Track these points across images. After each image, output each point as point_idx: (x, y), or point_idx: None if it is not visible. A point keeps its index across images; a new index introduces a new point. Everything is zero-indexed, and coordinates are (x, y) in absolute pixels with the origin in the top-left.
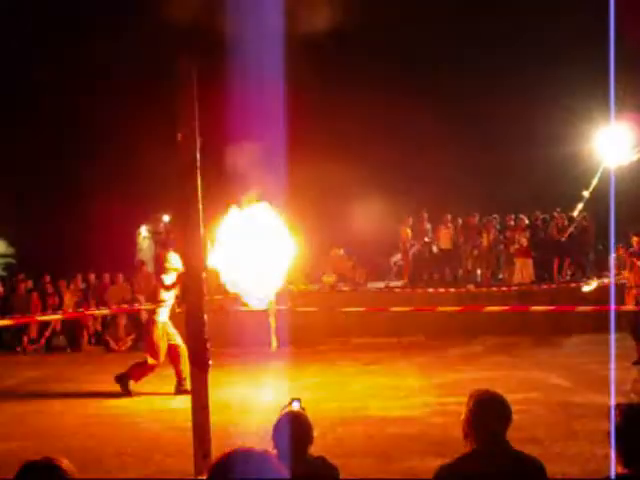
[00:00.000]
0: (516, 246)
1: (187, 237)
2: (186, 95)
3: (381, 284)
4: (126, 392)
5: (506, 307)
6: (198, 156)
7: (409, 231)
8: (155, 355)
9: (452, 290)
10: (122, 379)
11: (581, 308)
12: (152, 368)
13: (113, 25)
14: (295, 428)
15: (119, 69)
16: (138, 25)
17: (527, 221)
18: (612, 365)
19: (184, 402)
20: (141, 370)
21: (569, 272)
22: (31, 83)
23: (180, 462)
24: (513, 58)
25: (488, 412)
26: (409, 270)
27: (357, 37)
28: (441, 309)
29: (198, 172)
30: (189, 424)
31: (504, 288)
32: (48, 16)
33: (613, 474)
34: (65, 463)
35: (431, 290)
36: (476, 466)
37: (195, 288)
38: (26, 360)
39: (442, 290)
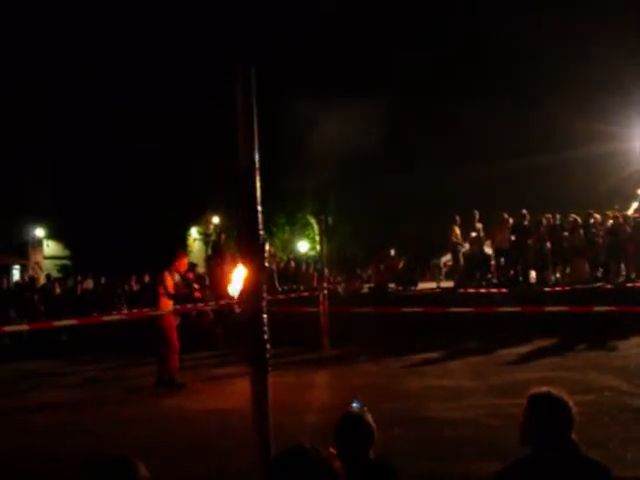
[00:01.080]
0: (569, 245)
1: (246, 239)
2: (245, 96)
3: (432, 284)
4: (178, 386)
5: (568, 307)
6: (257, 157)
7: (458, 231)
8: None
9: (504, 290)
10: (161, 381)
11: None
12: (174, 356)
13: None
14: (357, 428)
15: (172, 71)
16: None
17: (580, 220)
18: None
19: (237, 402)
20: (168, 363)
21: (624, 272)
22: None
23: (239, 461)
24: (570, 59)
25: (548, 413)
26: (460, 270)
27: None
28: (502, 309)
29: (257, 173)
30: (243, 423)
31: (558, 288)
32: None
33: None
34: (140, 463)
35: (483, 291)
36: (537, 470)
37: (254, 289)
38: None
39: (494, 290)
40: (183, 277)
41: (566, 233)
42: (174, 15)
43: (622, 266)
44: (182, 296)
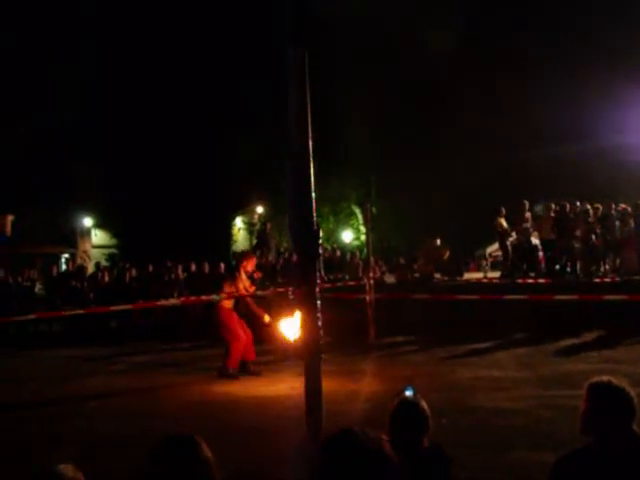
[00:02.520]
0: (620, 235)
1: (299, 226)
2: (297, 82)
3: (478, 275)
4: (233, 376)
5: (626, 296)
6: (310, 144)
7: (504, 222)
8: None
9: (555, 281)
10: (222, 372)
11: None
12: (239, 348)
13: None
14: (412, 415)
15: (222, 53)
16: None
17: (630, 209)
18: None
19: (289, 389)
20: (233, 356)
21: None
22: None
23: (290, 446)
24: (606, 52)
25: (608, 403)
26: (509, 260)
27: None
28: (558, 297)
29: (311, 159)
30: (297, 410)
31: (607, 279)
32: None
33: None
34: (204, 443)
35: (531, 281)
36: (598, 460)
37: (308, 277)
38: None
39: (542, 281)
40: (250, 276)
41: (617, 223)
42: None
43: None
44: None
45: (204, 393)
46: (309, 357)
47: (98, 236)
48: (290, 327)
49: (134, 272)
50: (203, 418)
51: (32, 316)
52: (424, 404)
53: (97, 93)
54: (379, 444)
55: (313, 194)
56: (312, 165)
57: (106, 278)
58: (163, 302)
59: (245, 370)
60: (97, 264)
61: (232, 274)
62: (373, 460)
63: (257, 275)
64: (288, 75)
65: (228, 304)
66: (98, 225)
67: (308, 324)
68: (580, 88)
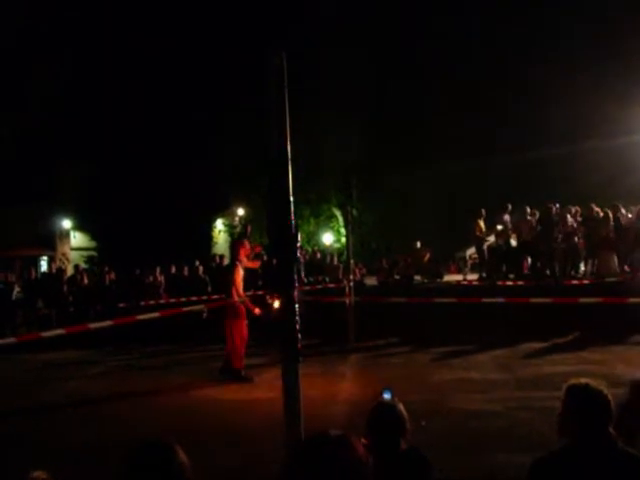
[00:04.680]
0: (599, 238)
1: (278, 230)
2: (276, 85)
3: (458, 277)
4: (248, 379)
5: (601, 299)
6: (289, 148)
7: (483, 224)
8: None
9: (533, 283)
10: (235, 377)
11: None
12: (242, 345)
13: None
14: (389, 418)
15: (201, 59)
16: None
17: (610, 213)
18: None
19: (268, 392)
20: (237, 354)
21: None
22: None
23: (269, 450)
24: (592, 49)
25: (585, 405)
26: (485, 263)
27: None
28: (533, 301)
29: (289, 164)
30: (275, 414)
31: (586, 281)
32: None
33: None
34: (180, 448)
35: (510, 283)
36: (574, 461)
37: (287, 280)
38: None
39: (521, 283)
40: (256, 254)
41: (596, 228)
42: (204, 3)
43: None
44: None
45: (184, 397)
46: (287, 360)
47: (77, 238)
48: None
49: (113, 275)
50: (182, 422)
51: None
52: (401, 407)
53: (76, 94)
54: (353, 447)
55: (291, 198)
56: (290, 169)
57: (85, 281)
58: (142, 317)
59: (225, 372)
60: (76, 267)
61: (233, 265)
62: (346, 464)
63: (257, 249)
64: (267, 79)
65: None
66: (77, 227)
67: (286, 327)
68: (561, 92)
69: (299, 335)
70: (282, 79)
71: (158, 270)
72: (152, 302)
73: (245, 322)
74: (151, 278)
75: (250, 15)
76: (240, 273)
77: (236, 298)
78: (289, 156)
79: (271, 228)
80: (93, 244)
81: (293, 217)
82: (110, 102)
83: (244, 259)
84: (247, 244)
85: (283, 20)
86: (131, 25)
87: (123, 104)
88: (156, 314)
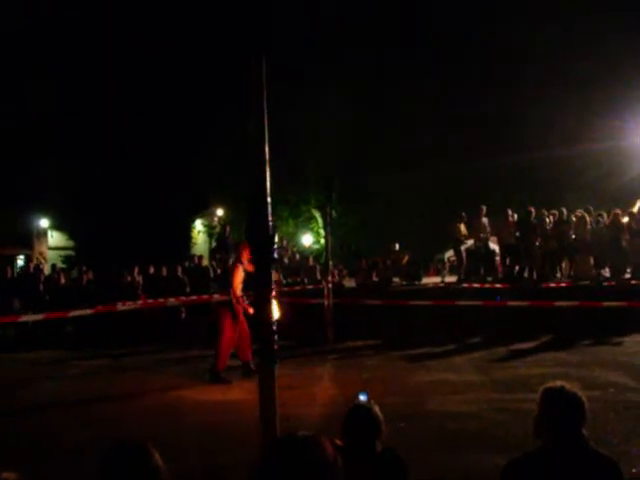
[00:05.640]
0: (575, 241)
1: (256, 230)
2: (256, 87)
3: (436, 279)
4: (226, 381)
5: (577, 302)
6: (267, 149)
7: (463, 227)
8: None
9: (511, 285)
10: (214, 378)
11: None
12: (227, 348)
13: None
14: (365, 420)
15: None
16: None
17: (587, 217)
18: None
19: (245, 393)
20: (221, 356)
21: (629, 269)
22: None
23: (245, 452)
24: (567, 47)
25: (560, 407)
26: (463, 266)
27: None
28: (510, 304)
29: (268, 165)
30: (252, 415)
31: (563, 284)
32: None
33: None
34: (155, 452)
35: (488, 286)
36: (549, 463)
37: (264, 281)
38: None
39: (499, 286)
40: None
41: (572, 231)
42: (184, 5)
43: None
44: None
45: (163, 397)
46: (263, 362)
47: (55, 238)
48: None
49: (91, 275)
50: (161, 423)
51: None
52: (377, 409)
53: (54, 92)
54: (322, 448)
55: (269, 199)
56: (268, 170)
57: (62, 280)
58: (121, 306)
59: (247, 371)
60: (53, 266)
61: (233, 265)
62: (315, 464)
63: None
64: (247, 83)
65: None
66: (55, 226)
67: (263, 328)
68: (535, 99)
69: (275, 336)
70: (261, 81)
71: (136, 270)
72: (130, 303)
73: (239, 323)
74: (129, 278)
75: (230, 17)
76: (240, 274)
77: (233, 298)
78: (267, 157)
79: (249, 229)
80: (71, 243)
81: (271, 218)
82: (88, 102)
83: (245, 261)
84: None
85: (264, 23)
86: (110, 25)
87: (101, 104)
88: (138, 303)
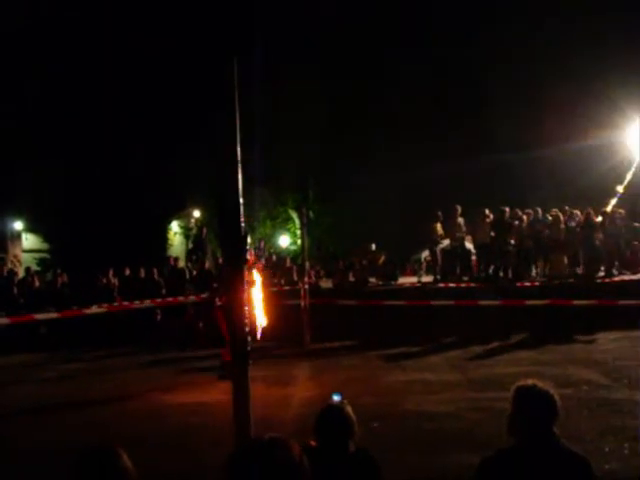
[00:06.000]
0: (550, 240)
1: (227, 232)
2: (227, 89)
3: (413, 279)
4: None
5: (548, 301)
6: (239, 150)
7: (439, 226)
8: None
9: (486, 285)
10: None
11: (624, 302)
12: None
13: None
14: (337, 421)
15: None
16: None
17: (561, 215)
18: None
19: (222, 394)
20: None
21: (602, 268)
22: None
23: (217, 454)
24: (540, 47)
25: (532, 405)
26: (438, 266)
27: None
28: (481, 303)
29: (239, 165)
30: (228, 416)
31: (537, 283)
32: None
33: None
34: (124, 454)
35: (463, 285)
36: (521, 460)
37: (236, 281)
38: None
39: (474, 285)
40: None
41: (547, 230)
42: (157, 6)
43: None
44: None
45: (137, 399)
46: (237, 363)
47: (29, 240)
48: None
49: (66, 277)
50: (134, 425)
51: None
52: (349, 409)
53: (27, 95)
54: (288, 450)
55: (241, 200)
56: (240, 172)
57: (36, 283)
58: (89, 310)
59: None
60: (27, 269)
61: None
62: (281, 467)
63: (259, 267)
64: (219, 82)
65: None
66: (29, 229)
67: (236, 329)
68: (511, 102)
69: (249, 337)
70: (232, 83)
71: (111, 272)
72: (105, 305)
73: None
74: (104, 281)
75: (204, 18)
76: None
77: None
78: (239, 158)
79: (221, 230)
80: (46, 246)
81: (243, 219)
82: (62, 103)
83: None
84: (252, 255)
85: (236, 24)
86: (85, 24)
87: (76, 106)
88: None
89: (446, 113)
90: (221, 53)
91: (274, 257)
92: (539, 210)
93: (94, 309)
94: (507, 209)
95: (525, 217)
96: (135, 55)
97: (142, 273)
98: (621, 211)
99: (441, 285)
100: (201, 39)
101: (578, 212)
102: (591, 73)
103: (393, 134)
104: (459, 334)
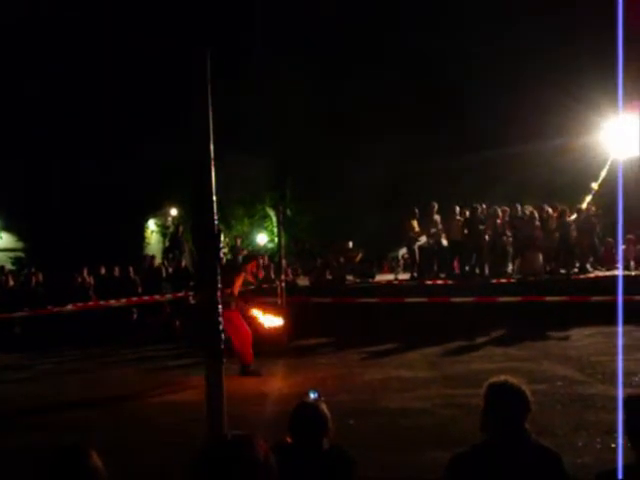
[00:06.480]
0: (524, 237)
1: (201, 230)
2: (200, 84)
3: (390, 277)
4: (255, 373)
5: (520, 297)
6: (212, 147)
7: (416, 223)
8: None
9: (462, 282)
10: (244, 372)
11: (596, 298)
12: (248, 343)
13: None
14: (311, 418)
15: (130, 59)
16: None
17: (536, 213)
18: (620, 357)
19: (197, 394)
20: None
21: (577, 264)
22: None
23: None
24: (518, 46)
25: (504, 401)
26: (416, 263)
27: None
28: (454, 300)
29: (212, 164)
30: (199, 415)
31: (512, 280)
32: None
33: (621, 464)
34: (94, 453)
35: (440, 282)
36: (492, 456)
37: (209, 280)
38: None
39: (451, 282)
40: (254, 274)
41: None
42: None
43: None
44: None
45: (112, 400)
46: (210, 360)
47: (3, 239)
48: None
49: (40, 276)
50: (110, 426)
51: None
52: (324, 407)
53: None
54: (253, 448)
55: (214, 197)
56: (213, 169)
57: (11, 282)
58: (57, 309)
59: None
60: (1, 268)
61: (239, 270)
62: (245, 464)
63: (260, 274)
64: (191, 76)
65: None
66: (3, 227)
67: (209, 327)
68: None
69: (222, 335)
70: (205, 77)
71: (86, 271)
72: (81, 304)
73: (241, 320)
74: (79, 279)
75: (175, 11)
76: (240, 280)
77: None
78: (212, 155)
79: (195, 227)
80: (21, 245)
81: (216, 217)
82: (36, 99)
83: (249, 271)
84: (255, 262)
85: (209, 16)
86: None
87: (51, 101)
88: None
89: (428, 111)
90: (193, 47)
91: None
92: (518, 207)
93: (69, 308)
94: (479, 206)
95: (501, 213)
96: (109, 50)
97: (116, 272)
98: (593, 208)
99: (418, 282)
100: (175, 32)
101: (550, 210)
102: (567, 71)
103: (370, 132)
104: (435, 331)
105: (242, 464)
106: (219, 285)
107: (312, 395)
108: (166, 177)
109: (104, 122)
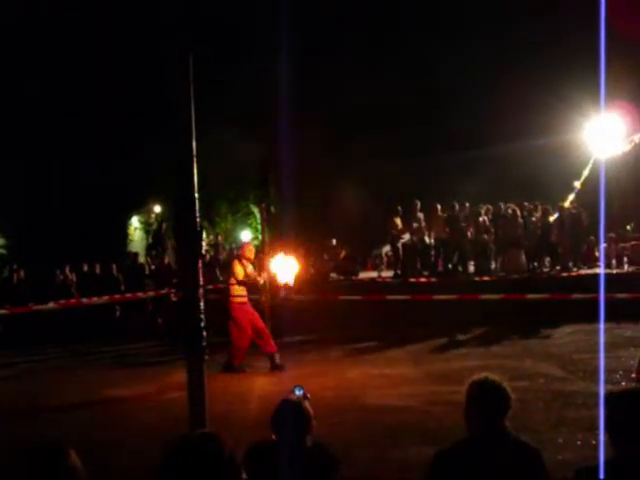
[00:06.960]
0: (507, 235)
1: (183, 227)
2: (182, 82)
3: (373, 274)
4: (239, 369)
5: (502, 295)
6: (194, 144)
7: (399, 221)
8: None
9: (445, 279)
10: (229, 368)
11: (576, 296)
12: (244, 345)
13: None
14: (293, 415)
15: (114, 58)
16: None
17: (519, 212)
18: (602, 354)
19: (179, 392)
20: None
21: (559, 262)
22: None
23: None
24: (502, 46)
25: (485, 398)
26: (400, 261)
27: None
28: (436, 297)
29: (194, 160)
30: (181, 412)
31: (494, 277)
32: None
33: (602, 460)
34: (72, 451)
35: (423, 280)
36: (472, 452)
37: (191, 276)
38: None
39: (434, 280)
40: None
41: (503, 223)
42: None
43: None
44: (250, 283)
45: (95, 398)
46: (191, 357)
47: None
48: (283, 270)
49: (23, 274)
50: (91, 424)
51: None
52: (307, 404)
53: None
54: (217, 445)
55: (196, 194)
56: (195, 166)
57: None
58: (38, 307)
59: (273, 365)
60: None
61: (235, 258)
62: (209, 461)
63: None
64: (172, 73)
65: (239, 299)
66: None
67: (190, 324)
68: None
69: (204, 332)
70: (187, 76)
71: (68, 268)
72: (63, 302)
73: (247, 318)
74: (62, 276)
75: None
76: (237, 266)
77: (238, 298)
78: (194, 153)
79: (176, 225)
80: (2, 241)
81: (198, 214)
82: (21, 96)
83: (244, 257)
84: (251, 247)
85: (190, 16)
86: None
87: (35, 98)
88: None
89: (409, 109)
90: (176, 47)
91: (235, 251)
92: (501, 205)
93: (51, 306)
94: (461, 205)
95: (483, 211)
96: (109, 50)
97: (98, 269)
98: (575, 206)
99: (401, 280)
100: (157, 30)
101: (532, 208)
102: (550, 70)
103: (355, 131)
104: (419, 328)
105: (208, 460)
106: (220, 278)
107: (297, 392)
108: (150, 174)
109: (104, 122)
